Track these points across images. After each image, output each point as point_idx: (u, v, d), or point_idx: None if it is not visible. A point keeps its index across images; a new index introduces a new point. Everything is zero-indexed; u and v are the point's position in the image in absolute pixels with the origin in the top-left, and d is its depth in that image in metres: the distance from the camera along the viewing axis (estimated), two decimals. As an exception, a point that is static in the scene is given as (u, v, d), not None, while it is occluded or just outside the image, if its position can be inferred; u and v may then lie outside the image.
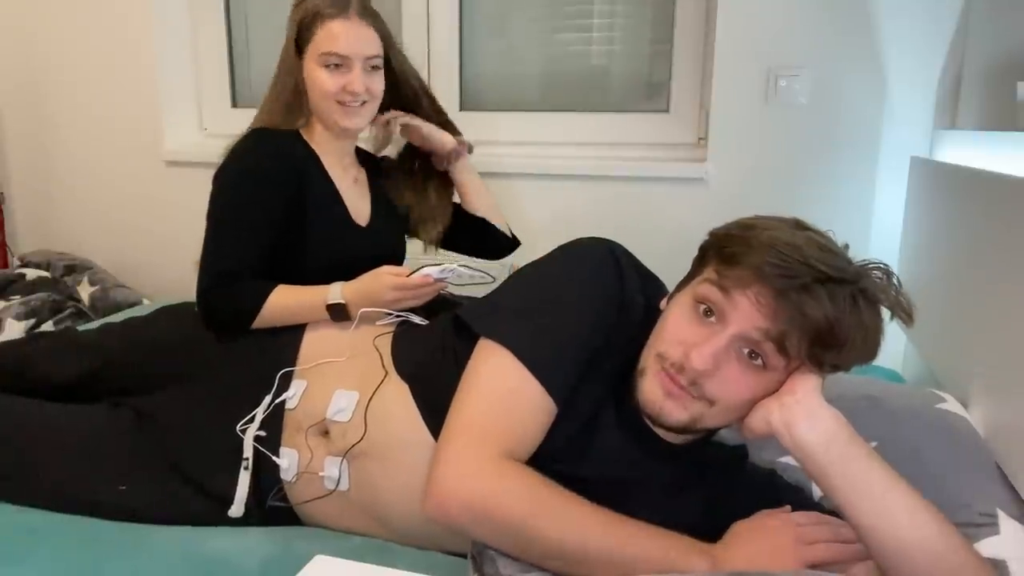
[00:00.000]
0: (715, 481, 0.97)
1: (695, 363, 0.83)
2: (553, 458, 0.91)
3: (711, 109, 1.84)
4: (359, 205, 1.43)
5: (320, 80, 1.33)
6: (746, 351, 0.84)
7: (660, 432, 0.93)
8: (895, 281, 0.85)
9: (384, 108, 1.46)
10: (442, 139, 1.51)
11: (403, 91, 1.48)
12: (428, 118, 1.52)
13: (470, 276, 1.26)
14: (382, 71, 1.40)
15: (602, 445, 0.95)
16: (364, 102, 1.37)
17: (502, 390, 0.90)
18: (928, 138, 1.72)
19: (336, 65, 1.33)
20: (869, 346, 0.83)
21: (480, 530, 0.85)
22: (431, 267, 1.17)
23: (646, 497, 0.93)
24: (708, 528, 0.88)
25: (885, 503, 0.77)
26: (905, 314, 0.85)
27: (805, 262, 0.81)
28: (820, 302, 0.80)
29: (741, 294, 0.83)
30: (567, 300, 0.95)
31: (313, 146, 1.38)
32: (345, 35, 1.33)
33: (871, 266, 0.86)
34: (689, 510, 0.93)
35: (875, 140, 1.76)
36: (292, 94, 1.37)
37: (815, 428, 0.79)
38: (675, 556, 0.82)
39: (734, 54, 1.79)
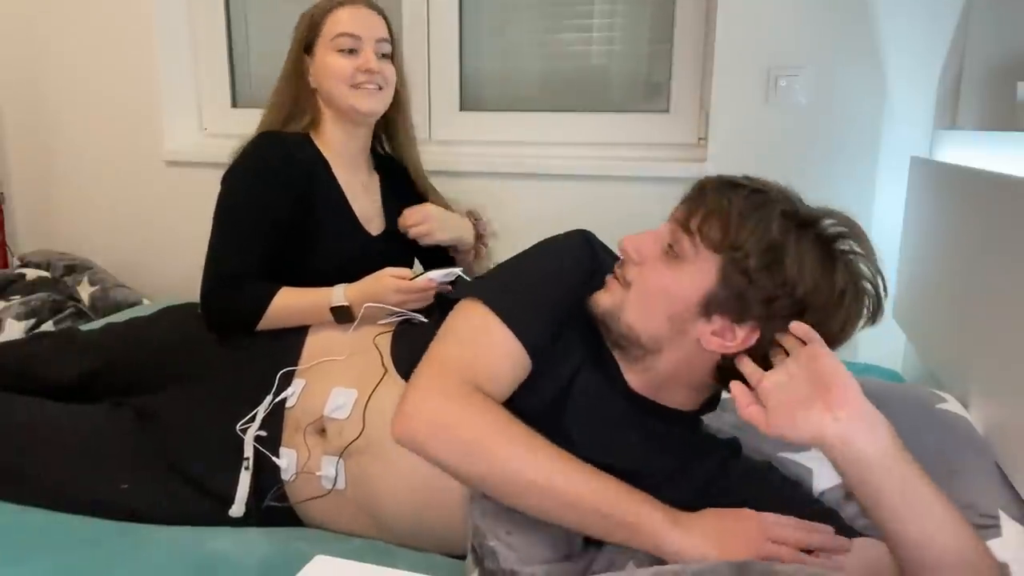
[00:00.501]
0: (708, 475, 0.97)
1: (622, 244, 0.95)
2: (537, 422, 0.92)
3: (711, 109, 1.84)
4: (369, 211, 1.43)
5: (334, 65, 1.34)
6: (669, 245, 0.91)
7: (632, 383, 0.96)
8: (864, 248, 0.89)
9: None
10: (467, 240, 1.53)
11: (398, 97, 1.47)
12: (403, 131, 1.53)
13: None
14: (391, 61, 1.40)
15: (581, 396, 0.97)
16: (380, 87, 1.37)
17: (471, 331, 0.94)
18: (928, 138, 1.72)
19: (350, 50, 1.34)
20: (782, 267, 0.85)
21: (442, 448, 0.86)
22: (434, 271, 1.17)
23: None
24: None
25: (931, 514, 0.74)
26: (872, 286, 0.88)
27: (743, 176, 0.93)
28: (725, 194, 0.90)
29: (681, 203, 0.95)
30: (542, 277, 1.00)
31: (322, 148, 1.37)
32: (354, 17, 1.36)
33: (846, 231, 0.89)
34: (679, 500, 0.93)
35: (875, 140, 1.76)
36: (295, 100, 1.37)
37: (874, 441, 0.75)
38: (639, 507, 0.82)
39: (734, 54, 1.79)
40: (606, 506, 0.82)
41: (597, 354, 0.98)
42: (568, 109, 2.10)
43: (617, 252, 1.00)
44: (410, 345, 1.12)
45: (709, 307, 0.88)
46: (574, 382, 0.97)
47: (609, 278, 0.98)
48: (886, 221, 1.77)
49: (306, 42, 1.38)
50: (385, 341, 1.15)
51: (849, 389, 0.78)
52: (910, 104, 1.72)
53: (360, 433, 1.04)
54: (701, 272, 0.88)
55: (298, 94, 1.37)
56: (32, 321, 1.90)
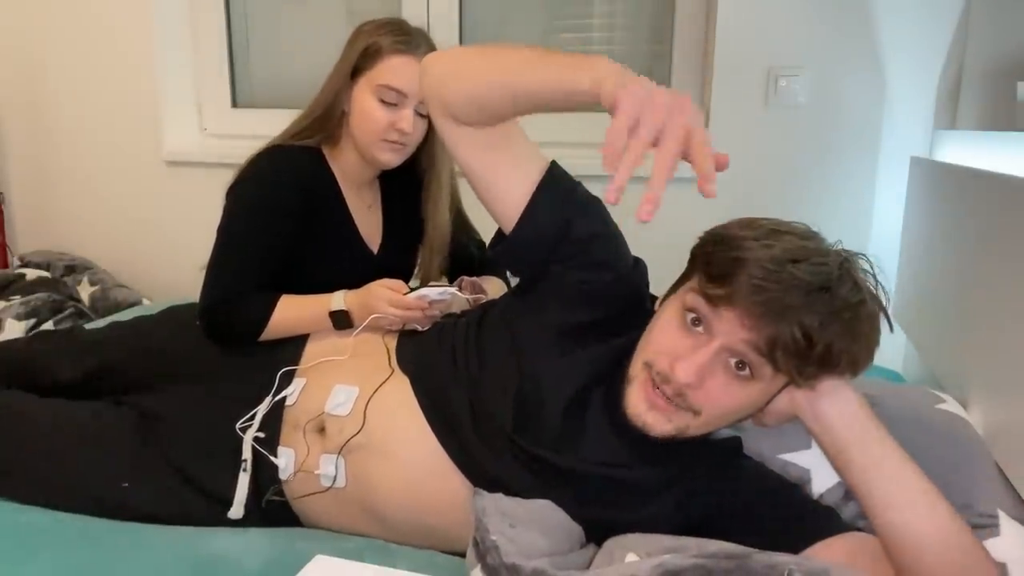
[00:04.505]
0: (705, 477, 0.97)
1: (680, 376, 0.84)
2: (545, 446, 0.94)
3: (711, 109, 1.84)
4: (372, 229, 1.43)
5: (371, 111, 1.30)
6: (733, 361, 0.84)
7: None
8: (870, 268, 0.87)
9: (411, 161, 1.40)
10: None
11: (427, 148, 1.41)
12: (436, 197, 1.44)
13: (470, 299, 1.26)
14: (427, 119, 1.35)
15: (592, 433, 0.97)
16: (406, 144, 1.34)
17: None
18: (928, 138, 1.72)
19: (391, 102, 1.30)
20: (861, 349, 0.84)
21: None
22: (428, 288, 1.17)
23: (633, 499, 0.95)
24: (692, 520, 0.91)
25: (900, 483, 0.78)
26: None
27: (790, 280, 0.80)
28: (801, 319, 0.80)
29: (727, 308, 0.83)
30: None
31: (333, 166, 1.36)
32: (409, 72, 1.28)
33: (852, 258, 0.87)
34: (670, 506, 0.94)
35: (875, 140, 1.76)
36: (325, 111, 1.34)
37: (838, 402, 0.81)
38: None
39: (734, 54, 1.79)
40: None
41: (612, 385, 0.96)
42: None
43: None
44: (414, 347, 1.14)
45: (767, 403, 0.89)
46: (584, 405, 0.98)
47: (653, 397, 0.88)
48: (886, 221, 1.77)
49: (355, 66, 1.32)
50: (393, 340, 1.16)
51: None
52: (910, 104, 1.72)
53: (360, 429, 1.04)
54: (772, 385, 0.86)
55: (329, 107, 1.33)
56: (32, 321, 1.90)
